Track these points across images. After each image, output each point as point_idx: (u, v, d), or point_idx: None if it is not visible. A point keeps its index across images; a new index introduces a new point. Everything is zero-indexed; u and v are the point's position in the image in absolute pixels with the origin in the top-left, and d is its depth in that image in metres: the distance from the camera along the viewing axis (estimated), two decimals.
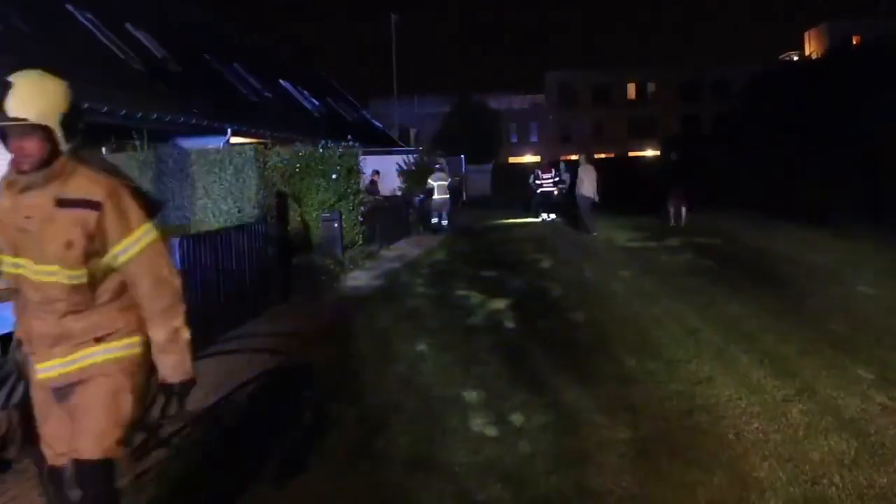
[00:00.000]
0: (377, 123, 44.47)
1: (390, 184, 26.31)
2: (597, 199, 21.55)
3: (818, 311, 9.85)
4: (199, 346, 8.97)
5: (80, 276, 3.45)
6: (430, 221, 24.00)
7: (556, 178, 27.03)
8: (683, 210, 22.36)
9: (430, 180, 24.42)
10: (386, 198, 23.25)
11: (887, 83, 22.80)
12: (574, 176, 25.14)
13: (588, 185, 21.49)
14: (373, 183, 23.79)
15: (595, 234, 20.85)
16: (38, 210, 3.38)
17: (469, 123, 58.80)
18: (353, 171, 16.72)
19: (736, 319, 9.55)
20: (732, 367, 7.48)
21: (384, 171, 25.86)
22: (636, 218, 23.25)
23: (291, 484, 5.29)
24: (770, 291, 11.27)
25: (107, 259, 3.51)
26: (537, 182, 26.96)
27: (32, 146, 3.32)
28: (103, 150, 13.97)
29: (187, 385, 3.77)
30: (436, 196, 23.93)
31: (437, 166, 25.79)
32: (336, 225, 15.39)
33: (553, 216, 26.09)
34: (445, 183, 24.18)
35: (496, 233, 23.23)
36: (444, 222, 23.94)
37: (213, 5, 70.84)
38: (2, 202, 3.45)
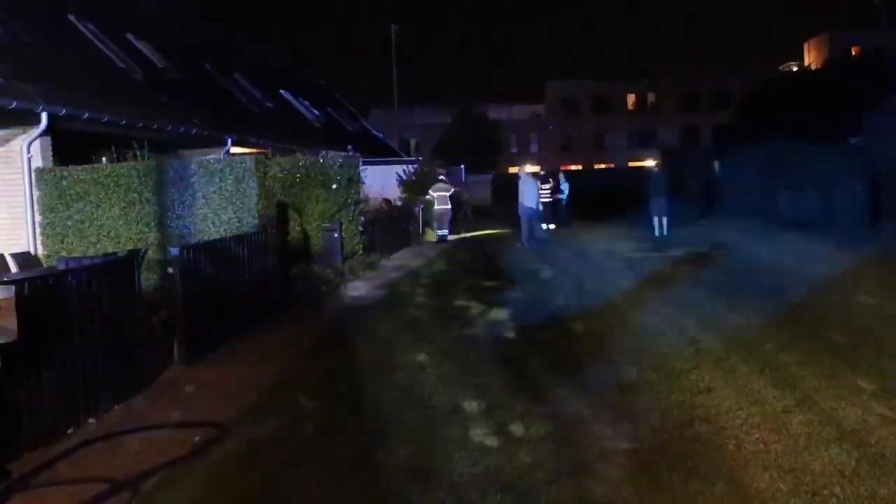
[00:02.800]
0: (377, 133, 44.52)
1: (391, 195, 26.33)
2: (540, 208, 22.43)
3: (818, 320, 9.84)
4: (199, 354, 9.00)
5: None
6: (431, 231, 24.21)
7: (553, 188, 27.00)
8: (665, 221, 22.33)
9: (430, 191, 24.62)
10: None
11: (887, 93, 22.87)
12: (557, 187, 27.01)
13: (529, 196, 22.11)
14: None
15: (533, 243, 21.39)
16: None
17: (469, 134, 58.84)
18: (354, 182, 16.73)
19: (736, 329, 9.54)
20: (733, 377, 7.47)
21: (384, 181, 25.90)
22: (636, 229, 23.24)
23: (292, 495, 5.29)
24: (770, 301, 11.25)
25: None
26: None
27: None
28: (104, 159, 13.98)
29: None
30: (436, 206, 24.12)
31: (439, 177, 25.88)
32: (336, 235, 15.39)
33: (553, 226, 26.11)
34: (446, 194, 24.34)
35: (496, 243, 23.22)
36: (446, 231, 24.11)
37: (214, 16, 71.04)
38: None
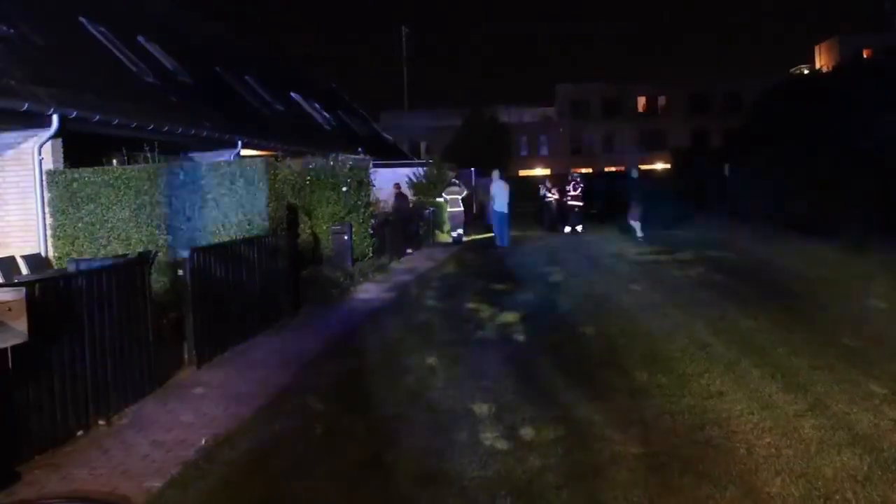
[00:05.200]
0: (387, 136, 44.52)
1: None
2: (506, 210, 22.80)
3: (830, 325, 9.79)
4: (209, 356, 9.02)
5: None
6: (441, 234, 24.45)
7: (580, 190, 26.98)
8: (637, 225, 22.46)
9: (444, 194, 24.91)
10: (397, 210, 23.26)
11: None
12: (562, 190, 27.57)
13: (500, 199, 22.40)
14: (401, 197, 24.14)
15: (506, 245, 21.69)
16: None
17: (480, 136, 58.80)
18: (364, 184, 16.73)
19: (747, 333, 9.50)
20: (744, 381, 7.44)
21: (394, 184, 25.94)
22: (646, 231, 23.18)
23: (301, 498, 5.28)
24: (781, 305, 11.21)
25: None
26: (566, 195, 27.08)
27: None
28: (114, 161, 14.01)
29: None
30: (449, 209, 24.45)
31: (452, 181, 26.12)
32: (346, 237, 15.40)
33: (580, 228, 26.19)
34: (458, 197, 24.63)
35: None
36: (461, 232, 24.44)
37: (225, 19, 71.26)
38: None
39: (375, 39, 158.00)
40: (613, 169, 64.80)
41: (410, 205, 24.72)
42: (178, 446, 6.30)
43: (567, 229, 26.27)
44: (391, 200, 23.61)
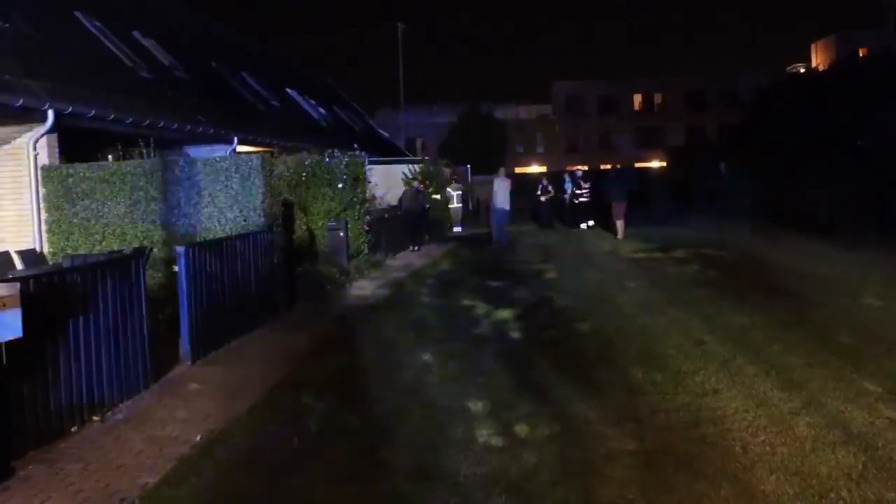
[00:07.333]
0: (383, 133, 44.46)
1: (397, 194, 26.32)
2: (508, 208, 22.81)
3: (825, 322, 9.80)
4: (204, 352, 9.00)
5: None
6: (434, 230, 24.75)
7: (591, 188, 27.04)
8: (620, 224, 22.52)
9: (449, 189, 25.67)
10: (392, 207, 23.18)
11: (894, 95, 22.79)
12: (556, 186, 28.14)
13: (502, 197, 22.52)
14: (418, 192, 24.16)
15: (501, 242, 21.62)
16: None
17: (475, 134, 58.77)
18: (359, 181, 16.71)
19: (742, 331, 9.50)
20: (739, 379, 7.44)
21: (390, 180, 25.88)
22: (642, 228, 23.22)
23: (295, 494, 5.28)
24: (777, 303, 11.22)
25: None
26: (577, 192, 27.17)
27: None
28: (109, 157, 13.99)
29: None
30: (453, 205, 25.30)
31: (454, 180, 27.08)
32: (342, 234, 15.38)
33: (592, 223, 26.27)
34: (460, 193, 25.75)
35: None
36: (459, 228, 25.06)
37: (221, 14, 71.14)
38: None
39: (371, 36, 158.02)
40: (609, 166, 64.99)
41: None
42: (173, 442, 6.29)
43: (583, 225, 26.41)
44: (386, 195, 23.50)
